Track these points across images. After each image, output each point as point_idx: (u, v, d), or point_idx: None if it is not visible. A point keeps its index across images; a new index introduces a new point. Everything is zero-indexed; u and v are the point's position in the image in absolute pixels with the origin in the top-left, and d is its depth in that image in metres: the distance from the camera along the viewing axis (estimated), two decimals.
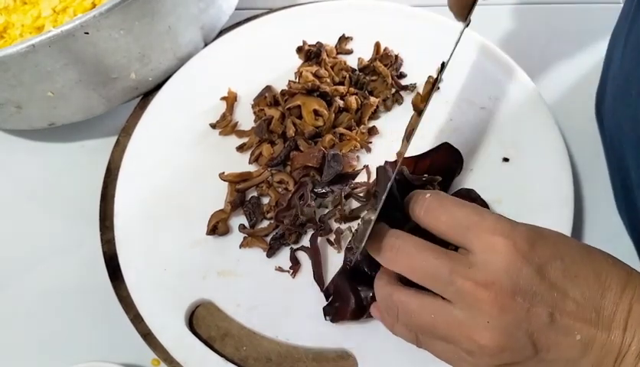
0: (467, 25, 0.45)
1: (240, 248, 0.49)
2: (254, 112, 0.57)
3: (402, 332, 0.38)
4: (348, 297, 0.43)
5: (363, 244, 0.37)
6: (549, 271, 0.32)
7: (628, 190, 0.49)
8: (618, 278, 0.32)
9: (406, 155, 0.50)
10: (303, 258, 0.49)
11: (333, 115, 0.54)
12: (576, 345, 0.31)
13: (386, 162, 0.42)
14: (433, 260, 0.33)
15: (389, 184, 0.38)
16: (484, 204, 0.47)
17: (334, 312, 0.45)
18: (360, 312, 0.43)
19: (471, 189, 0.48)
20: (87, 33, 0.50)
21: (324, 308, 0.45)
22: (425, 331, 0.35)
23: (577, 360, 0.32)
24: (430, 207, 0.35)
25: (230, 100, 0.58)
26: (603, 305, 0.31)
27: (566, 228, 0.48)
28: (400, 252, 0.35)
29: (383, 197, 0.37)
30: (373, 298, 0.42)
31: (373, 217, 0.36)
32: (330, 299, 0.45)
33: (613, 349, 0.31)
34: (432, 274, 0.33)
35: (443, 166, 0.49)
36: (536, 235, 0.33)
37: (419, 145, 0.53)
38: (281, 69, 0.60)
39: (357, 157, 0.54)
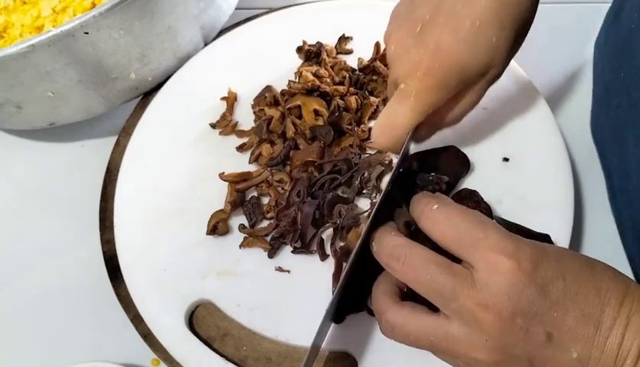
0: (406, 154, 0.45)
1: (240, 248, 0.49)
2: (254, 112, 0.57)
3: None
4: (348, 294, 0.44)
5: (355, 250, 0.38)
6: (551, 291, 0.32)
7: (614, 194, 0.49)
8: (617, 292, 0.32)
9: (416, 151, 0.51)
10: (301, 257, 0.49)
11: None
12: (572, 362, 0.32)
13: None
14: (437, 276, 0.33)
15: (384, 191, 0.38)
16: (487, 207, 0.47)
17: (337, 313, 0.44)
18: (360, 306, 0.44)
19: (475, 191, 0.48)
20: (87, 33, 0.50)
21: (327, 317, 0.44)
22: (423, 348, 0.36)
23: None
24: (436, 219, 0.35)
25: (230, 100, 0.58)
26: (602, 320, 0.32)
27: (566, 229, 0.48)
28: (405, 264, 0.35)
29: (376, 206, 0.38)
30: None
31: (364, 226, 0.37)
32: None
33: (609, 363, 0.32)
34: (435, 290, 0.34)
35: (450, 168, 0.49)
36: (540, 255, 0.33)
37: (419, 145, 0.53)
38: (281, 69, 0.60)
39: (359, 155, 0.53)
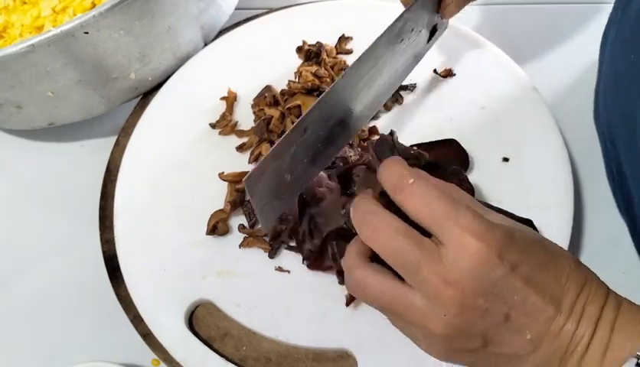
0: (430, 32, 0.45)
1: (240, 248, 0.50)
2: (254, 112, 0.57)
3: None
4: (327, 252, 0.45)
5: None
6: (514, 276, 0.32)
7: (624, 183, 0.49)
8: (575, 283, 0.33)
9: (414, 143, 0.51)
10: (298, 260, 0.49)
11: None
12: (525, 344, 0.33)
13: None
14: (405, 246, 0.34)
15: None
16: (470, 187, 0.47)
17: (313, 259, 0.46)
18: (335, 266, 0.45)
19: (460, 170, 0.48)
20: (87, 33, 0.50)
21: (304, 255, 0.46)
22: (383, 309, 0.36)
23: (525, 356, 0.33)
24: (411, 194, 0.35)
25: (230, 100, 0.58)
26: (560, 308, 0.33)
27: (565, 228, 0.48)
28: (376, 231, 0.35)
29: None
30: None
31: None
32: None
33: (560, 349, 0.33)
34: (401, 260, 0.34)
35: (449, 164, 0.49)
36: (508, 238, 0.33)
37: (419, 137, 0.53)
38: (281, 69, 0.60)
39: (358, 150, 0.53)
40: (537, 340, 0.33)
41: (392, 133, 0.45)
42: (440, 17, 0.48)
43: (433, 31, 0.48)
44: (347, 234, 0.43)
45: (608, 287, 0.34)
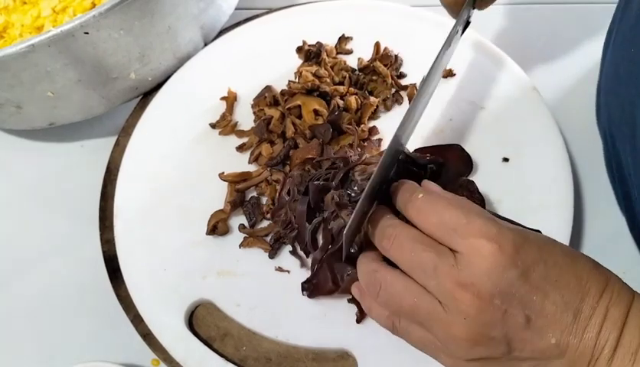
0: (464, 26, 0.45)
1: (240, 248, 0.50)
2: (254, 112, 0.57)
3: (379, 314, 0.39)
4: (327, 277, 0.44)
5: (350, 227, 0.38)
6: (531, 275, 0.32)
7: (624, 181, 0.50)
8: (597, 283, 0.33)
9: (419, 147, 0.51)
10: (298, 260, 0.49)
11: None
12: (550, 347, 0.32)
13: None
14: (421, 253, 0.34)
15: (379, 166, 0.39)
16: (480, 198, 0.47)
17: (312, 288, 0.45)
18: (336, 288, 0.45)
19: (471, 181, 0.48)
20: (87, 33, 0.50)
21: (302, 283, 0.46)
22: (404, 313, 0.36)
23: (551, 360, 0.33)
24: (422, 208, 0.36)
25: (230, 100, 0.58)
26: (581, 309, 0.32)
27: (565, 228, 0.48)
28: (394, 242, 0.36)
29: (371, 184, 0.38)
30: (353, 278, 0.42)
31: (361, 199, 0.37)
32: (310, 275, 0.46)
33: (586, 352, 0.32)
34: (417, 267, 0.34)
35: (453, 167, 0.49)
36: (521, 239, 0.33)
37: (420, 145, 0.53)
38: (281, 69, 0.60)
39: (359, 151, 0.53)
40: (563, 344, 0.32)
41: (400, 151, 0.45)
42: (473, 9, 0.48)
43: (465, 25, 0.48)
44: (348, 256, 0.43)
45: (633, 291, 0.34)
